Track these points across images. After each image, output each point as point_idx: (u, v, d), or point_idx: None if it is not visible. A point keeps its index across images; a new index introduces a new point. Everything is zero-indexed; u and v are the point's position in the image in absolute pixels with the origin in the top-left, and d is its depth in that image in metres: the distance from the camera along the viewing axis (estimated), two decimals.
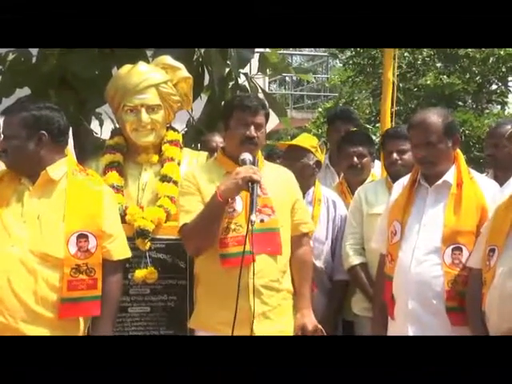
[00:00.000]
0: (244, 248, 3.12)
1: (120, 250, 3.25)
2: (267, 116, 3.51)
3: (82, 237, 3.07)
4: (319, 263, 3.95)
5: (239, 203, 3.32)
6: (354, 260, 4.06)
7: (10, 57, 4.87)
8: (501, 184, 3.59)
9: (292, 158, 4.15)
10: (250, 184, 3.13)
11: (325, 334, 3.49)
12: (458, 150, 3.51)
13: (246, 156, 3.28)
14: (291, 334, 3.44)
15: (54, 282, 3.02)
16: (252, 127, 3.37)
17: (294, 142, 4.36)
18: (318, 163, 4.26)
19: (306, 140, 4.32)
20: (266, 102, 3.61)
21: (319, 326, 3.50)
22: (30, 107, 3.10)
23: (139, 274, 3.54)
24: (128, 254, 3.31)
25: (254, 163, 3.28)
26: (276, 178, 3.53)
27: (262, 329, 3.26)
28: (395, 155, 4.09)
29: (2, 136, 3.12)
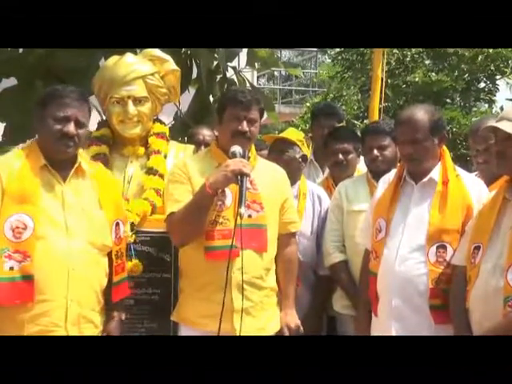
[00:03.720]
0: (232, 241, 3.13)
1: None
2: (261, 111, 3.50)
3: (117, 224, 3.20)
4: (304, 258, 3.94)
5: (229, 197, 3.31)
6: (335, 258, 4.04)
7: None
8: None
9: (278, 150, 4.14)
10: (239, 177, 3.13)
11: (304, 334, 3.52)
12: (445, 148, 3.51)
13: (237, 149, 3.28)
14: (271, 332, 3.45)
15: (107, 269, 3.16)
16: (244, 122, 3.37)
17: (280, 135, 4.35)
18: (304, 157, 4.25)
19: (293, 134, 4.32)
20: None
21: (301, 328, 3.53)
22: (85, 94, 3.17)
23: None
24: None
25: (244, 156, 3.27)
26: (268, 175, 3.54)
27: (242, 324, 3.25)
28: (376, 151, 4.08)
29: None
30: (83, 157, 3.19)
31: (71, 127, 3.01)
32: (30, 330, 2.88)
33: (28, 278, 2.85)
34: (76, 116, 3.03)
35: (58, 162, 3.06)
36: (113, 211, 3.18)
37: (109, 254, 3.17)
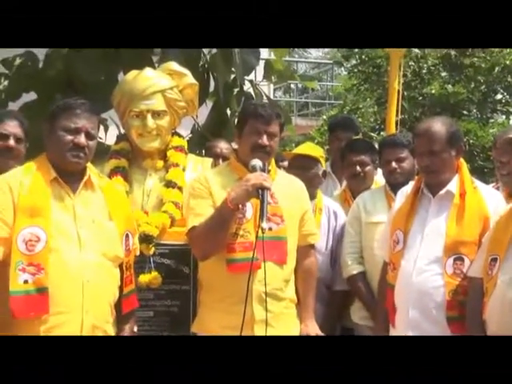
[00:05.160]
0: (253, 254, 3.14)
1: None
2: (281, 125, 3.51)
3: (127, 236, 3.20)
4: (318, 273, 3.93)
5: (249, 209, 3.33)
6: (353, 269, 4.06)
7: (17, 61, 4.90)
8: None
9: (301, 167, 4.10)
10: (260, 191, 3.13)
11: None
12: (462, 160, 3.52)
13: (256, 162, 3.29)
14: None
15: (119, 281, 3.16)
16: (264, 136, 3.38)
17: (303, 151, 4.29)
18: (324, 173, 4.27)
19: (314, 150, 4.31)
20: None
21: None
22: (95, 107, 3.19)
23: (143, 278, 3.55)
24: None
25: (264, 170, 3.28)
26: (287, 188, 3.55)
27: (262, 335, 3.25)
28: (394, 164, 4.10)
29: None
30: (92, 170, 3.20)
31: (82, 138, 3.03)
32: None
33: (42, 291, 2.85)
34: (86, 128, 3.05)
35: (68, 175, 3.08)
36: (123, 223, 3.19)
37: (119, 266, 3.17)
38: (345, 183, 4.85)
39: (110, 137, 4.81)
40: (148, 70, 3.91)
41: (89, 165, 3.17)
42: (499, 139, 3.99)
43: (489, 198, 3.41)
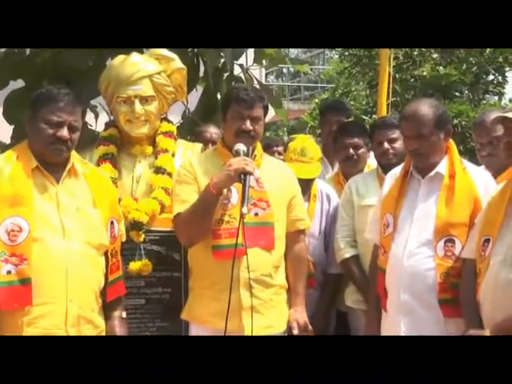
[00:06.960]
0: (236, 240, 3.11)
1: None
2: (266, 108, 3.49)
3: (112, 223, 3.17)
4: (312, 257, 3.93)
5: (234, 195, 3.31)
6: (346, 252, 4.05)
7: (3, 48, 4.84)
8: None
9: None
10: (242, 176, 3.11)
11: (313, 334, 3.48)
12: (451, 141, 3.50)
13: (240, 147, 3.27)
14: (280, 329, 3.43)
15: (104, 269, 3.12)
16: (248, 121, 3.36)
17: (299, 173, 3.95)
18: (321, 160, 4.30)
19: (311, 167, 4.14)
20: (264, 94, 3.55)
21: (309, 326, 3.49)
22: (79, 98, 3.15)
23: (133, 266, 3.54)
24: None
25: (247, 154, 3.26)
26: (274, 173, 3.53)
27: (250, 322, 3.23)
28: (386, 145, 4.09)
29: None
30: (75, 157, 3.15)
31: (64, 132, 2.98)
32: (29, 332, 2.84)
33: (26, 281, 2.83)
34: (69, 121, 3.00)
35: (51, 164, 3.03)
36: (108, 210, 3.16)
37: (105, 254, 3.14)
38: (337, 166, 4.84)
39: (100, 124, 4.77)
40: (135, 55, 3.86)
41: (72, 152, 3.13)
42: (477, 122, 4.02)
43: (478, 179, 3.40)
